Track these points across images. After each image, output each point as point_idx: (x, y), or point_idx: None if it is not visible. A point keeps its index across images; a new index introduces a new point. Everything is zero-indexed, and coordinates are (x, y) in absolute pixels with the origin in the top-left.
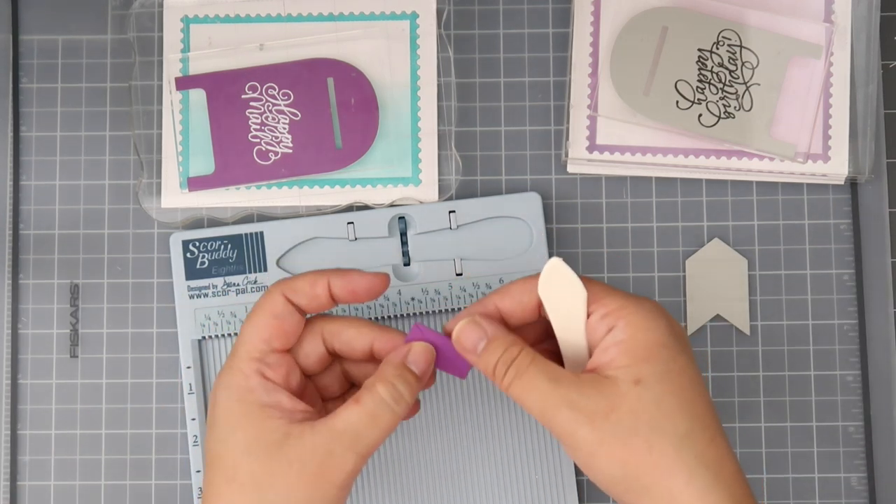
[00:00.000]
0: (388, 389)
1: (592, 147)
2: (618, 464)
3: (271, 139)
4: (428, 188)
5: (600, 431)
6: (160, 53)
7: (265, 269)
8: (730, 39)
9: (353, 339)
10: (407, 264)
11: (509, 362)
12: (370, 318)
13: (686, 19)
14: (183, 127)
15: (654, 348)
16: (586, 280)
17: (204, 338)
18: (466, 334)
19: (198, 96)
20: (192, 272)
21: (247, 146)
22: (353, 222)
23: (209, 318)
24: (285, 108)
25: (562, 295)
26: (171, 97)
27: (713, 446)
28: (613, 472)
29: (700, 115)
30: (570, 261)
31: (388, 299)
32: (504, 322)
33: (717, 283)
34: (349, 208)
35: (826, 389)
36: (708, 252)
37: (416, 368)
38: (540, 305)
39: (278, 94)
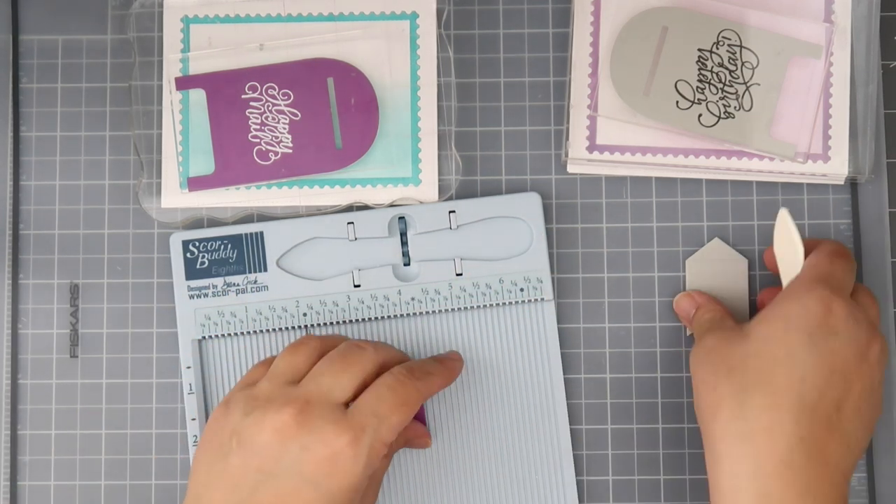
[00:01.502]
0: None
1: (592, 147)
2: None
3: (271, 139)
4: (428, 188)
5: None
6: (160, 53)
7: (265, 269)
8: (730, 39)
9: None
10: (407, 264)
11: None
12: (370, 319)
13: (686, 19)
14: (183, 127)
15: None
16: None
17: (204, 338)
18: (681, 304)
19: (198, 96)
20: (192, 272)
21: (247, 146)
22: (353, 222)
23: (209, 318)
24: (285, 108)
25: (784, 245)
26: (171, 97)
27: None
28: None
29: (700, 115)
30: (571, 260)
31: (388, 299)
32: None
33: (717, 283)
34: (349, 208)
35: None
36: (708, 252)
37: None
38: None
39: (278, 94)
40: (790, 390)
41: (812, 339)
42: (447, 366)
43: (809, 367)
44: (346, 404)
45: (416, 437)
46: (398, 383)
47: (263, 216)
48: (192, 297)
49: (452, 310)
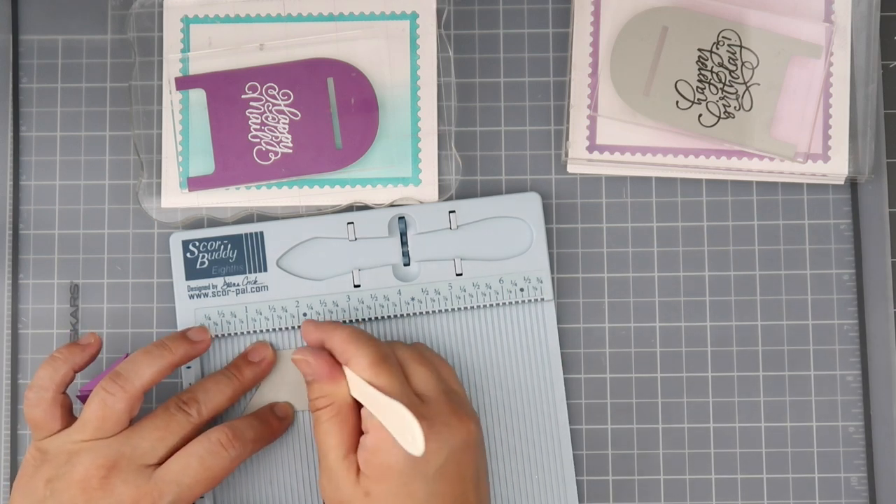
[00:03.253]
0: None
1: (592, 147)
2: None
3: (271, 139)
4: (428, 188)
5: None
6: (160, 53)
7: (265, 269)
8: (730, 39)
9: None
10: (407, 264)
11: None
12: (370, 319)
13: (686, 19)
14: (183, 127)
15: (389, 471)
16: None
17: None
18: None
19: (198, 96)
20: (192, 272)
21: (247, 146)
22: (353, 222)
23: (209, 318)
24: (285, 108)
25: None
26: (171, 97)
27: None
28: None
29: (700, 115)
30: (571, 260)
31: (388, 299)
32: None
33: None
34: (349, 208)
35: (826, 389)
36: None
37: None
38: None
39: (278, 94)
40: None
41: None
42: (271, 428)
43: None
44: (157, 464)
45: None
46: (209, 454)
47: (263, 216)
48: (192, 297)
49: (452, 310)
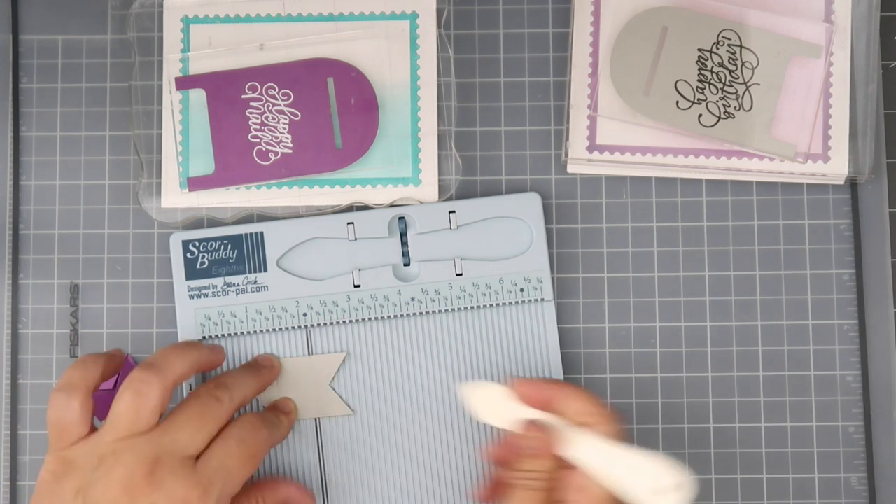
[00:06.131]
0: None
1: (592, 147)
2: None
3: (271, 139)
4: (428, 188)
5: None
6: (160, 53)
7: (265, 270)
8: (730, 39)
9: None
10: (407, 264)
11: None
12: (370, 319)
13: (686, 19)
14: (183, 127)
15: None
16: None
17: (204, 338)
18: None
19: (198, 96)
20: (192, 272)
21: (247, 146)
22: (353, 222)
23: (209, 318)
24: (285, 108)
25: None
26: (171, 97)
27: None
28: None
29: (700, 115)
30: (571, 260)
31: (388, 299)
32: None
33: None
34: (349, 208)
35: (826, 389)
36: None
37: None
38: None
39: (278, 94)
40: None
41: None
42: (281, 422)
43: None
44: (197, 456)
45: (295, 499)
46: (248, 433)
47: (263, 216)
48: (192, 297)
49: (452, 310)
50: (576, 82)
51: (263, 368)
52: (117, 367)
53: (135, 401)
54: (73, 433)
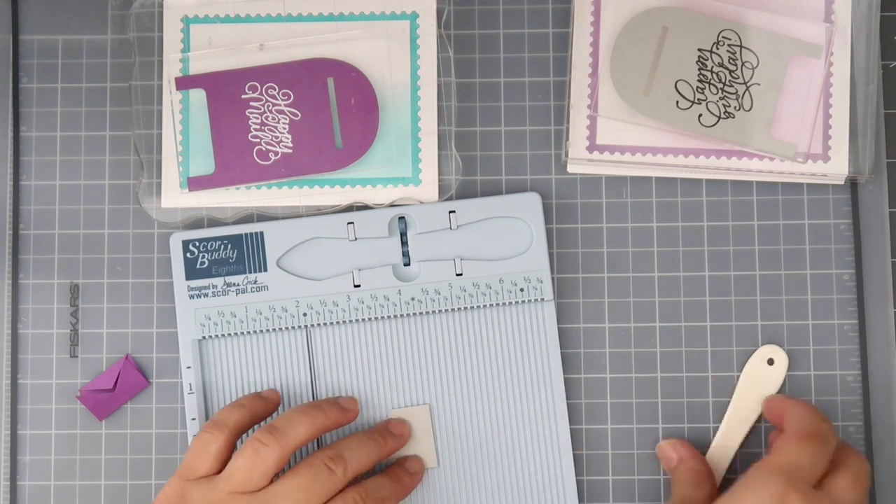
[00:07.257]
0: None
1: (592, 147)
2: None
3: (271, 139)
4: (428, 188)
5: None
6: (160, 53)
7: (265, 269)
8: (730, 39)
9: None
10: (407, 264)
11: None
12: (370, 319)
13: (686, 19)
14: (183, 127)
15: None
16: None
17: (204, 338)
18: (664, 451)
19: (198, 96)
20: (192, 272)
21: (247, 146)
22: (353, 222)
23: (209, 318)
24: (285, 108)
25: None
26: (171, 97)
27: None
28: None
29: (700, 115)
30: (571, 260)
31: (388, 299)
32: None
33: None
34: (349, 208)
35: (826, 389)
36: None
37: None
38: None
39: (278, 94)
40: None
41: None
42: (403, 483)
43: None
44: None
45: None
46: None
47: (263, 216)
48: (192, 297)
49: (452, 310)
50: (576, 82)
51: (390, 437)
52: (271, 409)
53: (251, 460)
54: (204, 468)
